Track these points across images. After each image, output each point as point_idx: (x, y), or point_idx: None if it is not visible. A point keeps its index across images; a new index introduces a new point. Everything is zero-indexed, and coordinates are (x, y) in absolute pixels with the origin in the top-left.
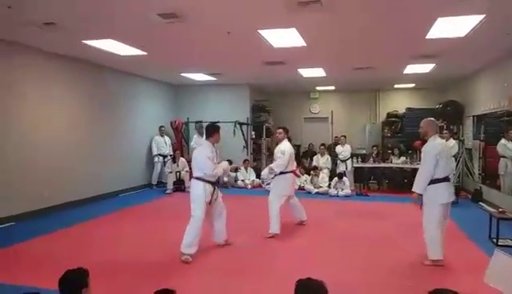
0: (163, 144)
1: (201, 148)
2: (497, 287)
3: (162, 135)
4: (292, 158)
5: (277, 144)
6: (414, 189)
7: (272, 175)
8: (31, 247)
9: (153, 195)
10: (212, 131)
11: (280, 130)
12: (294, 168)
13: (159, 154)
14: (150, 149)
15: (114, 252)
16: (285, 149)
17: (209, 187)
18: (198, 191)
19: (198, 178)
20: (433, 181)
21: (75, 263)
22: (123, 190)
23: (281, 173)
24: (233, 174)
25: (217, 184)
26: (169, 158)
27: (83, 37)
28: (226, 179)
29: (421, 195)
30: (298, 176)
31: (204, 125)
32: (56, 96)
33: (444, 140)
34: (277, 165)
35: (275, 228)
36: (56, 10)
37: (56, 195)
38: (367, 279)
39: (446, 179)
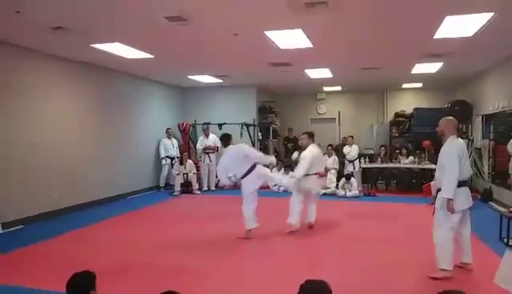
0: (171, 147)
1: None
2: (507, 289)
3: (169, 138)
4: (316, 161)
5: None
6: (445, 195)
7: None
8: (40, 249)
9: (160, 197)
10: (228, 139)
11: (304, 135)
12: (320, 170)
13: (167, 156)
14: (157, 151)
15: (123, 254)
16: (306, 155)
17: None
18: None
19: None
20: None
21: (85, 265)
22: (131, 193)
23: (306, 175)
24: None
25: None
26: (176, 160)
27: (91, 41)
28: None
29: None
30: (322, 176)
31: (210, 127)
32: (65, 100)
33: (463, 141)
34: (298, 172)
35: (293, 220)
36: (64, 14)
37: (66, 197)
38: (374, 281)
39: (465, 182)
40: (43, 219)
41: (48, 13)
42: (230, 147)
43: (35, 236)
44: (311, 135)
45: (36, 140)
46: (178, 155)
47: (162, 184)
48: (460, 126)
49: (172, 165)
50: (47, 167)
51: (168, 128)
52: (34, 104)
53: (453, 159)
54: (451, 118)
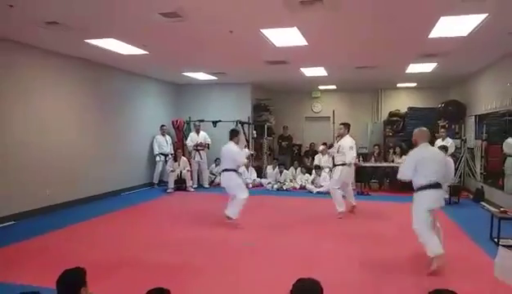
0: (165, 144)
1: (229, 146)
2: (506, 281)
3: (163, 135)
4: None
5: (337, 138)
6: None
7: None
8: (31, 246)
9: (154, 194)
10: (235, 134)
11: (341, 125)
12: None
13: (161, 153)
14: (151, 148)
15: (116, 251)
16: (352, 144)
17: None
18: (238, 180)
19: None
20: (419, 188)
21: (77, 262)
22: (124, 189)
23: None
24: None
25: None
26: (170, 157)
27: (86, 37)
28: None
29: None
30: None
31: (205, 124)
32: (58, 95)
33: (433, 150)
34: (349, 159)
35: (341, 208)
36: (59, 9)
37: (58, 194)
38: (367, 279)
39: (430, 186)
40: (35, 215)
41: (42, 7)
42: (228, 143)
43: (26, 232)
44: (348, 126)
45: (28, 137)
46: (172, 152)
47: (156, 180)
48: (453, 126)
49: (166, 162)
50: (38, 164)
51: (163, 125)
52: (29, 100)
53: (408, 161)
54: (423, 128)
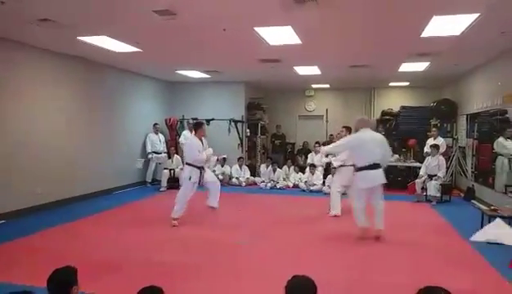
0: (158, 142)
1: (190, 141)
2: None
3: (156, 133)
4: None
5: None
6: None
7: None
8: (22, 245)
9: (147, 193)
10: (197, 126)
11: (343, 128)
12: None
13: (154, 152)
14: (144, 146)
15: (109, 251)
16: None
17: (196, 171)
18: (185, 173)
19: (188, 164)
20: (358, 169)
21: (69, 262)
22: (117, 188)
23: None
24: (227, 171)
25: (202, 168)
26: (163, 155)
27: (78, 34)
28: (221, 176)
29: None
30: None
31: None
32: (51, 93)
33: (373, 134)
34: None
35: (335, 211)
36: (51, 6)
37: (50, 192)
38: (359, 276)
39: (370, 167)
40: (26, 214)
41: (34, 4)
42: (190, 138)
43: (17, 231)
44: (350, 130)
45: (19, 135)
46: (165, 150)
47: (149, 179)
48: (445, 125)
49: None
50: (29, 162)
51: (156, 123)
52: (20, 98)
53: (343, 142)
54: (365, 117)
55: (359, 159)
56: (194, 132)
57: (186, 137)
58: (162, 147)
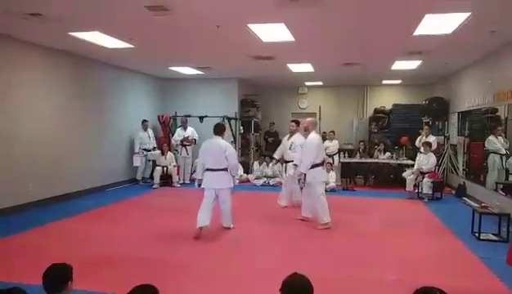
0: (147, 139)
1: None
2: None
3: (145, 130)
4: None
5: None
6: (302, 170)
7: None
8: (13, 242)
9: (140, 190)
10: (223, 128)
11: (293, 123)
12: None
13: (143, 149)
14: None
15: (101, 247)
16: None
17: None
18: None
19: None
20: (314, 166)
21: (61, 259)
22: (110, 185)
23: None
24: None
25: None
26: (152, 152)
27: (70, 29)
28: None
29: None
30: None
31: (191, 119)
32: (41, 89)
33: (318, 135)
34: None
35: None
36: (42, 0)
37: (41, 189)
38: (352, 274)
39: (321, 164)
40: (17, 211)
41: None
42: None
43: (9, 228)
44: (298, 123)
45: (9, 132)
46: (155, 146)
47: (139, 177)
48: (437, 122)
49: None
50: (20, 159)
51: (144, 120)
52: (9, 93)
53: (312, 147)
54: (313, 119)
55: (316, 158)
56: (222, 136)
57: (180, 135)
58: (152, 144)
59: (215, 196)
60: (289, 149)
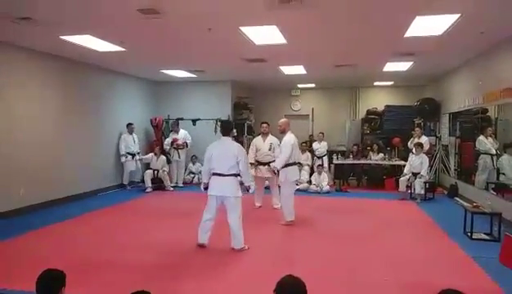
0: (132, 143)
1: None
2: None
3: (131, 133)
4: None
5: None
6: (276, 165)
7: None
8: (3, 247)
9: (133, 194)
10: (232, 126)
11: (264, 124)
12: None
13: (128, 153)
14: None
15: (93, 252)
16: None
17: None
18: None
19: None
20: (288, 165)
21: (52, 265)
22: (102, 189)
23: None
24: None
25: None
26: (137, 156)
27: (61, 33)
28: None
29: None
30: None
31: (184, 122)
32: (32, 94)
33: (293, 136)
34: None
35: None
36: (32, 4)
37: (32, 194)
38: (348, 274)
39: (295, 163)
40: (7, 217)
41: (15, 2)
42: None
43: (0, 233)
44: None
45: (1, 136)
46: (139, 151)
47: (126, 181)
48: (429, 123)
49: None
50: (10, 163)
51: (130, 123)
52: (0, 97)
53: (288, 147)
54: (287, 119)
55: (290, 157)
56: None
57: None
58: (136, 148)
59: (218, 207)
60: (269, 149)
